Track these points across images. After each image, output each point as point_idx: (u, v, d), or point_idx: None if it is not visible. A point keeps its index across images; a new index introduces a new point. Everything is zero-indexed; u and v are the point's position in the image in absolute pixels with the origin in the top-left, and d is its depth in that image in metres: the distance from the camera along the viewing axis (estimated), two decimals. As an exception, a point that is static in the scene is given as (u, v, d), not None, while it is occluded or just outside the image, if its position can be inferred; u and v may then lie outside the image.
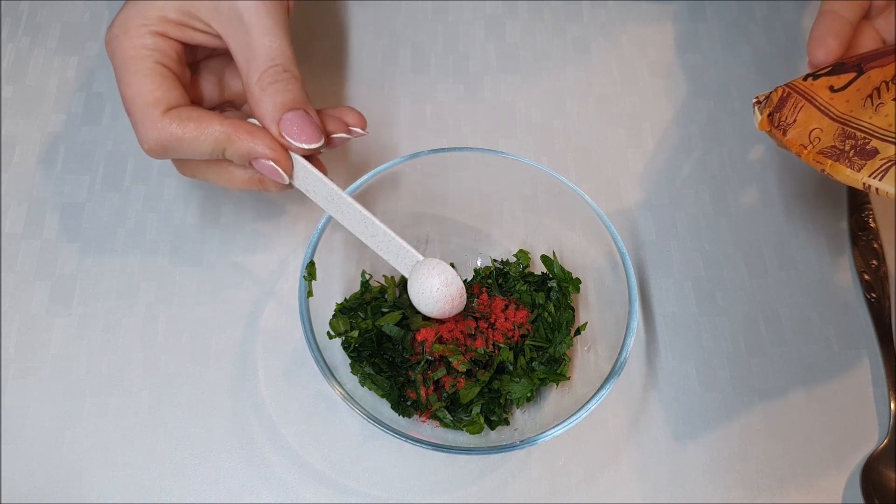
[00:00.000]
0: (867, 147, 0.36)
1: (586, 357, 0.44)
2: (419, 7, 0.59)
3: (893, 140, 0.36)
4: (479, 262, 0.48)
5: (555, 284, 0.45)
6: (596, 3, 0.60)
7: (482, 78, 0.56)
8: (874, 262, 0.50)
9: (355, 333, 0.43)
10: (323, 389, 0.44)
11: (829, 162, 0.37)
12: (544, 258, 0.47)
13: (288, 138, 0.38)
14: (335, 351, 0.42)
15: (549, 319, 0.44)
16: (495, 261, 0.48)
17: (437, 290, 0.39)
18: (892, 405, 0.45)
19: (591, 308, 0.45)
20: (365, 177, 0.43)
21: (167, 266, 0.47)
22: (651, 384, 0.46)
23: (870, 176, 0.35)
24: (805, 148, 0.38)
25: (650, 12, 0.60)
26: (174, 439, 0.43)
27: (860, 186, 0.36)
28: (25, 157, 0.50)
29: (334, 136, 0.40)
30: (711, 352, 0.47)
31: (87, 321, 0.45)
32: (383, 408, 0.41)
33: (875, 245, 0.50)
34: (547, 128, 0.54)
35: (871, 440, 0.45)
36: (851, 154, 0.36)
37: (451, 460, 0.43)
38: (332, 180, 0.39)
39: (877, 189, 0.35)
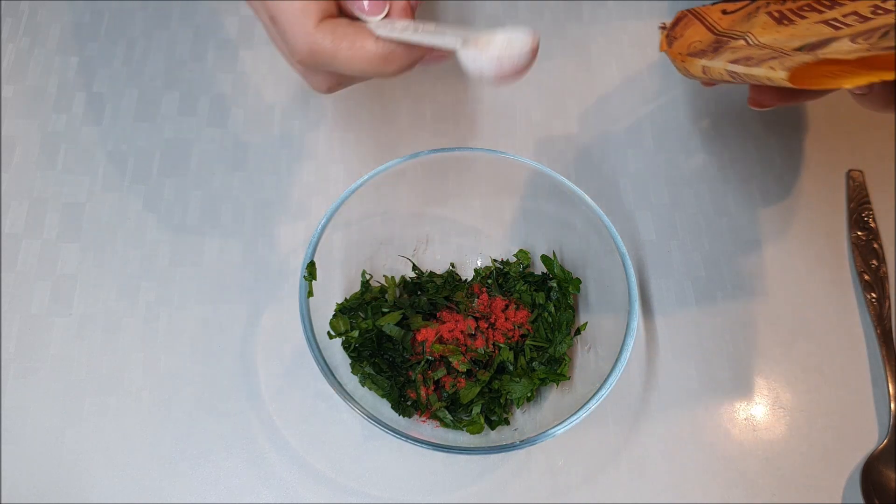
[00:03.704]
0: (724, 47, 0.40)
1: (586, 357, 0.44)
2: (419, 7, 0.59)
3: (738, 37, 0.40)
4: (479, 262, 0.48)
5: (555, 284, 0.45)
6: (596, 2, 0.60)
7: (482, 78, 0.56)
8: (874, 262, 0.50)
9: (355, 333, 0.43)
10: (323, 389, 0.44)
11: (691, 59, 0.40)
12: (544, 258, 0.47)
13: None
14: (335, 351, 0.42)
15: (549, 319, 0.44)
16: (495, 261, 0.48)
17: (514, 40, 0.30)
18: (892, 405, 0.45)
19: (591, 308, 0.45)
20: (365, 177, 0.43)
21: (167, 266, 0.47)
22: (651, 384, 0.46)
23: (708, 61, 0.38)
24: (681, 55, 0.41)
25: (650, 11, 0.60)
26: (174, 439, 0.43)
27: (699, 71, 0.39)
28: (25, 157, 0.50)
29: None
30: (711, 352, 0.47)
31: (87, 321, 0.45)
32: (383, 408, 0.41)
33: (875, 245, 0.50)
34: (547, 128, 0.54)
35: (871, 440, 0.45)
36: (710, 52, 0.39)
37: (451, 460, 0.43)
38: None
39: (709, 68, 0.38)
